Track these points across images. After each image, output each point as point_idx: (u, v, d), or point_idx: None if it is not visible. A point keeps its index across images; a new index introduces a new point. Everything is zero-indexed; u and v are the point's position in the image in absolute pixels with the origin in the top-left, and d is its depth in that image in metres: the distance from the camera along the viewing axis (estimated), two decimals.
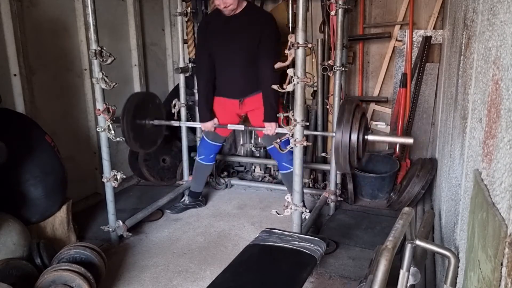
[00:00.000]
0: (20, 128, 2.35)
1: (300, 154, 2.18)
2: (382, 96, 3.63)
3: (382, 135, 2.29)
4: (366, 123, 2.28)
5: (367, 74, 3.69)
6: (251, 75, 2.69)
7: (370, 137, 2.26)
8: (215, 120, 2.89)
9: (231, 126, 2.88)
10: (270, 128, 2.66)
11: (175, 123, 3.10)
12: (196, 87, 3.32)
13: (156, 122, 2.96)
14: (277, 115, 2.29)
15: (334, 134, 2.22)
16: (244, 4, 2.65)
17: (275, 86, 2.15)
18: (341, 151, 2.17)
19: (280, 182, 3.62)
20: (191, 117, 3.55)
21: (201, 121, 2.92)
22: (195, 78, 3.27)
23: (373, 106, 3.68)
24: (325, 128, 3.43)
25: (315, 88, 3.41)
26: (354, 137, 2.14)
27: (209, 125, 2.88)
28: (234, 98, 2.82)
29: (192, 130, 3.55)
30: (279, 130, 2.63)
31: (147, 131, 2.93)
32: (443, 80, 2.90)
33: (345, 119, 2.14)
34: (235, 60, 2.71)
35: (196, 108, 3.33)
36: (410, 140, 2.24)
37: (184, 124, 3.20)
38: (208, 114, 2.87)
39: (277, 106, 2.68)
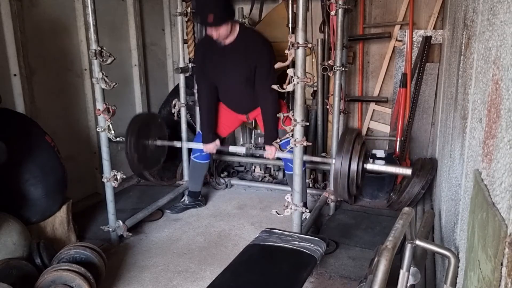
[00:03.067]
0: (20, 128, 2.35)
1: (300, 154, 2.18)
2: (382, 96, 3.63)
3: (380, 164, 2.31)
4: (366, 152, 2.33)
5: (367, 74, 3.69)
6: (252, 95, 2.73)
7: (369, 166, 2.30)
8: (217, 141, 2.94)
9: (232, 148, 2.92)
10: (270, 152, 2.72)
11: (177, 144, 3.16)
12: (196, 86, 3.32)
13: (159, 142, 3.04)
14: (278, 114, 2.29)
15: (333, 161, 2.26)
16: (237, 29, 2.62)
17: (275, 86, 2.15)
18: (339, 181, 2.23)
19: (280, 182, 3.63)
20: (191, 117, 3.56)
21: (203, 142, 2.94)
22: (195, 84, 3.27)
23: (373, 106, 3.68)
24: (325, 129, 3.43)
25: (315, 88, 3.41)
26: (353, 166, 2.19)
27: (211, 147, 2.93)
28: (240, 113, 2.94)
29: (192, 130, 3.55)
30: (279, 155, 2.68)
31: (150, 151, 3.00)
32: (443, 80, 2.90)
33: (345, 149, 2.20)
34: (234, 86, 2.76)
35: (197, 108, 3.34)
36: (408, 171, 2.26)
37: (186, 146, 3.18)
38: (210, 137, 2.91)
39: (277, 129, 2.70)
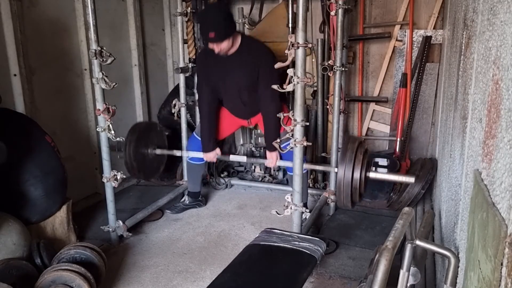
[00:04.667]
0: (20, 128, 2.35)
1: (300, 154, 2.18)
2: (382, 96, 3.63)
3: (383, 172, 2.34)
4: (369, 160, 2.35)
5: (367, 74, 3.69)
6: (254, 101, 2.73)
7: (372, 175, 2.32)
8: (218, 150, 2.93)
9: (233, 158, 2.92)
10: (271, 160, 2.74)
11: (177, 153, 3.16)
12: (196, 86, 3.31)
13: (158, 151, 3.05)
14: (279, 114, 2.29)
15: (336, 170, 2.27)
16: (239, 40, 2.60)
17: (275, 86, 2.15)
18: (343, 189, 2.27)
19: (280, 182, 3.62)
20: (191, 117, 3.56)
21: (204, 151, 2.94)
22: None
23: (373, 106, 3.68)
24: (325, 129, 3.43)
25: (315, 88, 3.41)
26: (356, 175, 2.22)
27: (211, 156, 2.93)
28: (242, 119, 2.95)
29: (192, 130, 3.55)
30: (280, 163, 2.70)
31: (149, 160, 3.02)
32: (443, 80, 2.90)
33: (348, 158, 2.23)
34: (237, 94, 2.77)
35: (197, 108, 3.34)
36: (411, 179, 2.28)
37: (185, 155, 3.16)
38: (211, 146, 2.90)
39: (278, 134, 2.70)
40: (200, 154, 2.98)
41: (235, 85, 2.69)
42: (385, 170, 2.43)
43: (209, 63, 2.71)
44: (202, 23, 2.51)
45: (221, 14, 2.47)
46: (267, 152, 2.77)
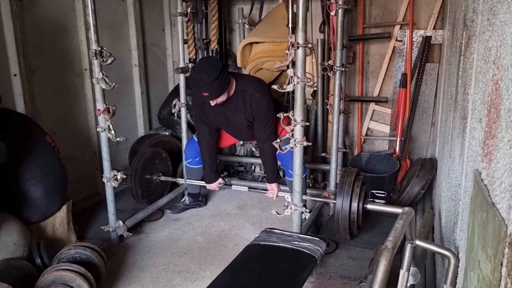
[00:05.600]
0: (20, 128, 2.35)
1: (300, 154, 2.19)
2: (382, 96, 3.63)
3: (380, 204, 2.37)
4: (366, 192, 2.42)
5: (367, 74, 3.69)
6: (252, 131, 2.75)
7: (369, 206, 2.36)
8: (220, 180, 2.97)
9: (235, 187, 2.98)
10: (272, 191, 2.77)
11: (181, 181, 3.20)
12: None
13: (162, 178, 3.12)
14: (279, 115, 2.29)
15: (334, 201, 2.37)
16: (234, 85, 2.54)
17: (275, 86, 2.16)
18: (341, 221, 2.32)
19: (279, 182, 3.62)
20: (191, 117, 3.55)
21: (206, 182, 2.96)
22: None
23: (373, 106, 3.68)
24: (325, 129, 3.43)
25: (315, 88, 3.41)
26: (354, 207, 2.30)
27: (214, 186, 2.96)
28: (241, 140, 3.06)
29: (192, 130, 3.55)
30: (281, 194, 2.69)
31: (154, 186, 3.10)
32: (443, 80, 2.90)
33: (345, 191, 2.31)
34: (235, 132, 2.84)
35: None
36: (411, 213, 2.29)
37: (189, 182, 3.16)
38: (213, 177, 2.94)
39: (277, 170, 2.77)
40: (201, 183, 3.01)
41: (234, 123, 2.70)
42: (383, 201, 2.49)
43: (205, 106, 2.64)
44: (195, 82, 2.43)
45: (214, 73, 2.33)
46: (267, 184, 2.81)
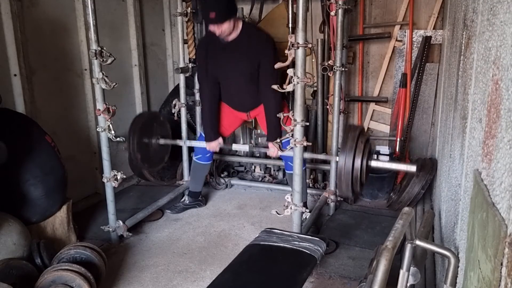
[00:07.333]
0: (20, 128, 2.35)
1: (300, 154, 2.18)
2: (382, 96, 3.63)
3: (384, 161, 2.29)
4: (370, 149, 2.30)
5: (367, 74, 3.69)
6: (255, 92, 2.73)
7: (373, 163, 2.28)
8: (220, 139, 2.93)
9: (235, 146, 2.92)
10: (273, 150, 2.72)
11: (180, 142, 3.17)
12: (196, 86, 3.32)
13: (161, 141, 3.05)
14: (278, 115, 2.29)
15: (336, 159, 2.22)
16: (240, 25, 2.61)
17: (275, 86, 2.16)
18: (344, 178, 2.21)
19: (280, 182, 3.63)
20: (191, 117, 3.55)
21: (206, 141, 2.94)
22: (197, 81, 3.28)
23: (373, 106, 3.68)
24: (325, 129, 3.43)
25: (315, 88, 3.41)
26: (357, 164, 2.17)
27: (214, 145, 2.92)
28: (241, 111, 2.92)
29: (192, 130, 3.55)
30: (282, 153, 2.65)
31: (153, 150, 3.02)
32: (443, 80, 2.90)
33: (349, 146, 2.18)
34: (237, 83, 2.76)
35: (197, 108, 3.34)
36: (413, 168, 2.26)
37: (188, 144, 3.17)
38: (213, 135, 2.90)
39: (280, 126, 2.68)
40: (202, 144, 2.99)
41: (235, 72, 2.69)
42: (387, 158, 2.39)
43: (209, 50, 2.72)
44: (204, 4, 2.52)
45: None
46: (269, 143, 2.76)
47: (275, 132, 2.68)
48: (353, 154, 2.16)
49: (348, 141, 2.20)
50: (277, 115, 2.44)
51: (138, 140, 2.83)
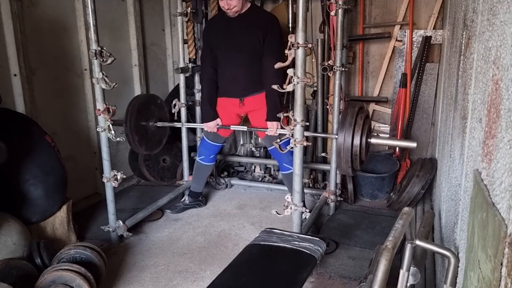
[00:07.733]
0: (20, 128, 2.35)
1: (300, 154, 2.18)
2: (382, 96, 3.63)
3: (384, 137, 2.25)
4: (370, 125, 2.27)
5: (367, 74, 3.69)
6: (253, 74, 2.72)
7: (373, 140, 2.24)
8: (218, 120, 2.88)
9: (234, 127, 2.89)
10: (272, 128, 2.65)
11: (178, 125, 3.13)
12: (196, 86, 3.32)
13: (159, 123, 3.00)
14: (278, 115, 2.27)
15: (336, 136, 2.20)
16: (248, 5, 2.70)
17: (275, 86, 2.15)
18: (343, 154, 2.17)
19: (280, 182, 3.62)
20: (191, 117, 3.55)
21: (204, 121, 2.92)
22: (198, 78, 3.28)
23: (373, 106, 3.68)
24: (325, 129, 3.43)
25: (315, 88, 3.41)
26: (356, 140, 2.12)
27: (211, 125, 2.88)
28: (234, 97, 2.83)
29: (192, 130, 3.55)
30: (281, 131, 2.60)
31: (151, 132, 2.96)
32: (443, 80, 2.90)
33: (348, 122, 2.13)
34: (237, 59, 2.73)
35: (197, 108, 3.34)
36: (413, 144, 2.23)
37: (186, 125, 3.19)
38: (211, 114, 2.87)
39: (281, 105, 2.69)
40: (199, 125, 3.00)
41: (236, 46, 2.69)
42: (387, 135, 2.36)
43: (215, 26, 2.80)
44: None
45: None
46: (268, 122, 2.68)
47: (275, 109, 2.61)
48: (352, 130, 2.11)
49: (347, 117, 2.14)
50: (279, 91, 2.32)
51: (135, 122, 2.76)
